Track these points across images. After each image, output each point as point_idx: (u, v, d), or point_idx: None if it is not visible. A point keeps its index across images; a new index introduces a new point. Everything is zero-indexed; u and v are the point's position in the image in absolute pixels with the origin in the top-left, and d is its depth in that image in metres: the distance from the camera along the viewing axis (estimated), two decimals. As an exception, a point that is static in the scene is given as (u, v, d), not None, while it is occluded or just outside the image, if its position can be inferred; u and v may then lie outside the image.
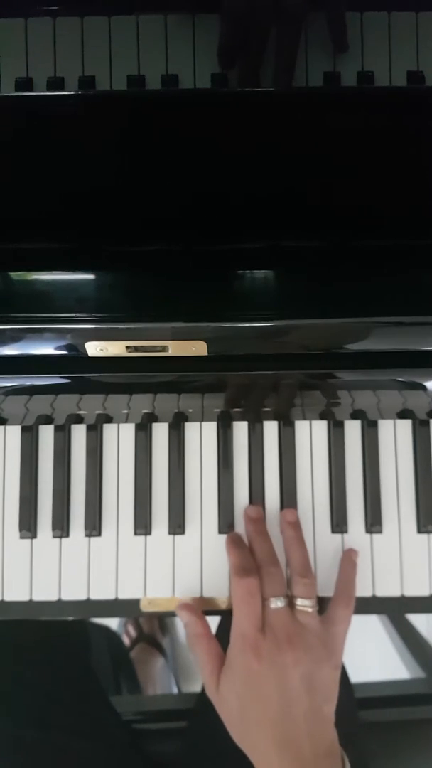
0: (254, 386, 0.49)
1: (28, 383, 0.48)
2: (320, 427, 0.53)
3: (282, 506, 0.52)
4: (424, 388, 0.49)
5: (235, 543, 0.50)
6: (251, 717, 0.43)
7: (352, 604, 0.48)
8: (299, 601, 0.45)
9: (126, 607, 0.52)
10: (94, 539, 0.52)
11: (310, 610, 0.45)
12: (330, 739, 0.42)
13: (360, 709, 0.66)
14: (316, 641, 0.44)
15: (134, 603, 0.52)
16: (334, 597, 0.48)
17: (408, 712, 0.63)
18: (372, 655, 1.02)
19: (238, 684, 0.44)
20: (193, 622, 0.48)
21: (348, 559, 0.50)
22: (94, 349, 0.43)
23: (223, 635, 0.70)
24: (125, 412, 0.52)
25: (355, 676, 0.68)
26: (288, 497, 0.52)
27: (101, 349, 0.43)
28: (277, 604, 0.45)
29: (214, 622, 0.72)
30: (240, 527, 0.52)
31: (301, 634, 0.44)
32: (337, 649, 0.45)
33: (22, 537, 0.52)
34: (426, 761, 0.50)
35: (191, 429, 0.53)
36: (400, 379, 0.48)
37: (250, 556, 0.48)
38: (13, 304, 0.41)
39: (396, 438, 0.53)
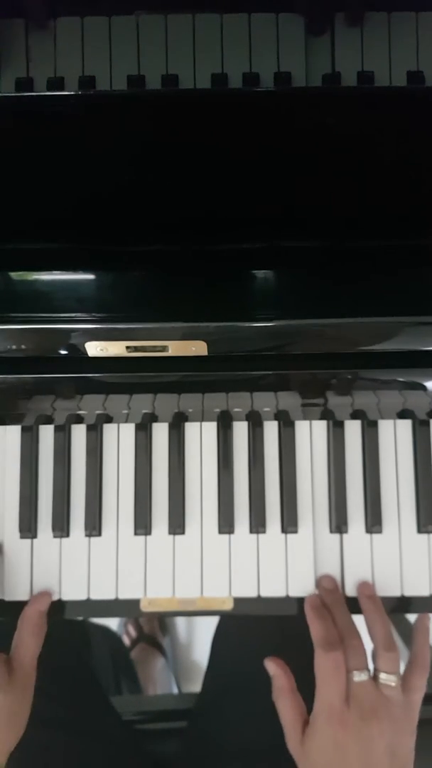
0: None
1: (28, 383, 0.48)
2: (320, 427, 0.53)
3: (282, 506, 0.52)
4: (424, 388, 0.49)
5: (319, 613, 0.49)
6: None
7: (428, 672, 0.48)
8: (383, 676, 0.46)
9: (126, 607, 0.52)
10: (94, 539, 0.52)
11: (393, 684, 0.45)
12: None
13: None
14: (398, 712, 0.45)
15: (134, 603, 0.52)
16: (410, 665, 0.48)
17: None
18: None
19: (323, 749, 0.45)
20: (279, 675, 0.49)
21: (422, 627, 0.50)
22: (94, 349, 0.43)
23: (223, 635, 0.71)
24: (125, 412, 0.52)
25: (355, 676, 0.68)
26: (288, 497, 0.52)
27: (101, 349, 0.43)
28: (361, 677, 0.45)
29: (213, 622, 0.73)
30: (240, 527, 0.52)
31: (386, 706, 0.45)
32: (415, 717, 0.46)
33: (22, 537, 0.52)
34: (426, 761, 0.50)
35: (191, 429, 0.53)
36: (400, 379, 0.48)
37: (333, 628, 0.48)
38: (13, 304, 0.41)
39: (396, 438, 0.53)
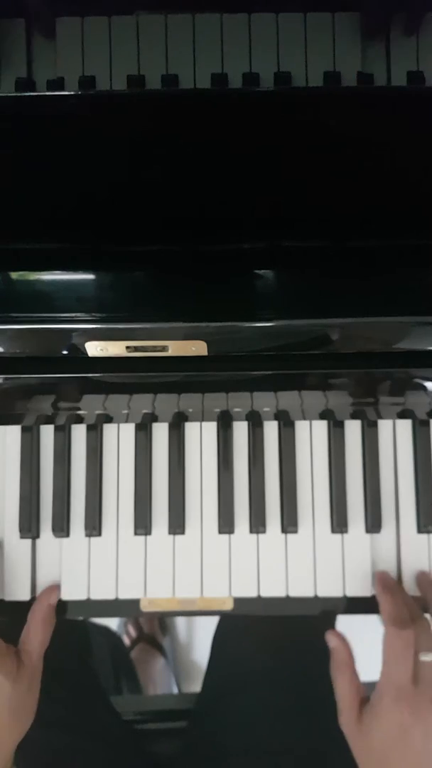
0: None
1: (28, 383, 0.48)
2: (320, 427, 0.53)
3: (282, 506, 0.52)
4: (424, 388, 0.49)
5: (390, 589, 0.49)
6: (393, 763, 0.44)
7: None
8: None
9: (126, 607, 0.52)
10: (94, 539, 0.52)
11: None
12: None
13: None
14: None
15: (134, 603, 0.52)
16: None
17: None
18: (372, 655, 1.02)
19: (384, 730, 0.44)
20: (341, 649, 0.49)
21: None
22: (94, 349, 0.43)
23: (223, 635, 0.71)
24: (125, 412, 0.52)
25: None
26: (288, 497, 0.52)
27: (101, 349, 0.43)
28: (430, 657, 0.45)
29: (213, 622, 0.73)
30: (240, 527, 0.52)
31: None
32: None
33: (22, 537, 0.52)
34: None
35: (191, 429, 0.53)
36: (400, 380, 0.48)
37: (404, 606, 0.47)
38: (13, 304, 0.41)
39: (396, 438, 0.53)
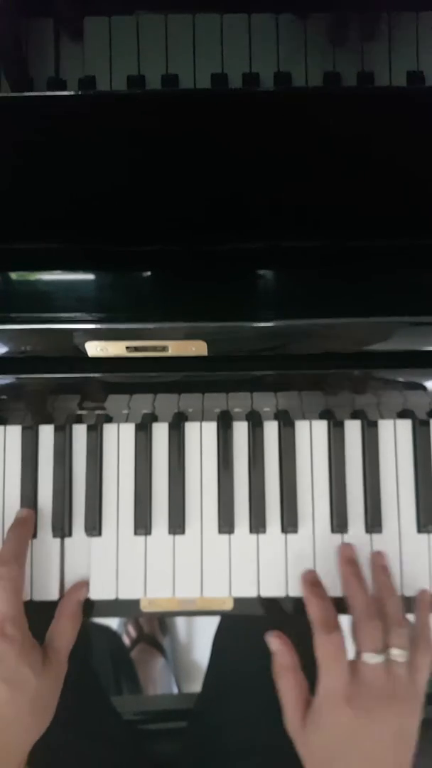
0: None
1: (29, 383, 0.48)
2: (320, 427, 0.53)
3: (282, 506, 0.52)
4: (424, 388, 0.49)
5: (316, 593, 0.48)
6: (338, 766, 0.43)
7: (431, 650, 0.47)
8: (395, 651, 0.44)
9: (126, 607, 0.52)
10: (94, 539, 0.52)
11: (402, 660, 0.44)
12: None
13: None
14: (407, 694, 0.44)
15: (134, 603, 0.52)
16: (414, 644, 0.46)
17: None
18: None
19: (327, 734, 0.44)
20: (282, 652, 0.48)
21: (423, 604, 0.49)
22: (94, 349, 0.43)
23: (223, 635, 0.71)
24: (125, 412, 0.52)
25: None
26: (288, 497, 0.52)
27: (101, 349, 0.43)
28: (376, 659, 0.44)
29: (213, 622, 0.73)
30: (240, 527, 0.52)
31: (396, 688, 0.43)
32: (421, 697, 0.45)
33: (22, 537, 0.52)
34: (426, 761, 0.50)
35: (191, 429, 0.53)
36: (400, 379, 0.48)
37: (332, 607, 0.47)
38: (13, 304, 0.41)
39: (396, 438, 0.53)
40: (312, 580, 0.49)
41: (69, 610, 0.49)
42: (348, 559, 0.50)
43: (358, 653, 0.45)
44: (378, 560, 0.50)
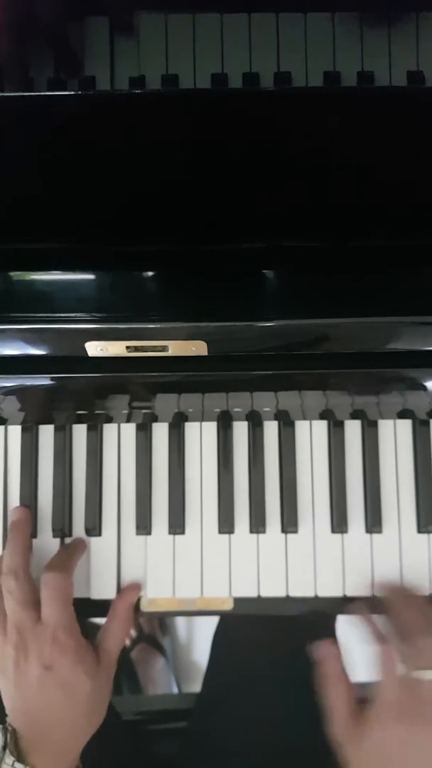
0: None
1: (29, 383, 0.48)
2: (320, 427, 0.53)
3: (282, 506, 0.52)
4: (424, 388, 0.49)
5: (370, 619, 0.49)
6: None
7: None
8: None
9: (126, 607, 0.52)
10: (94, 539, 0.52)
11: None
12: None
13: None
14: None
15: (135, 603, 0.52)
16: None
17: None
18: (372, 655, 1.01)
19: (380, 746, 0.44)
20: (329, 661, 0.48)
21: None
22: (94, 349, 0.43)
23: (222, 635, 0.71)
24: (125, 412, 0.52)
25: (356, 676, 0.68)
26: (288, 497, 0.52)
27: (101, 349, 0.43)
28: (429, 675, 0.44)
29: (213, 622, 0.73)
30: (240, 527, 0.52)
31: None
32: None
33: (22, 537, 0.52)
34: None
35: (191, 429, 0.53)
36: (400, 379, 0.48)
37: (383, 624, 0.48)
38: (13, 304, 0.41)
39: (396, 438, 0.53)
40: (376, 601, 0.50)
41: (122, 611, 0.50)
42: (395, 591, 0.50)
43: (412, 669, 0.45)
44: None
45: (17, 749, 0.42)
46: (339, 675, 0.47)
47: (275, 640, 0.65)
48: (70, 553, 0.50)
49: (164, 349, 0.43)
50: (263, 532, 0.52)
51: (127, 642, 1.05)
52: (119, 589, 0.52)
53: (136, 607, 0.52)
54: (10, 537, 0.49)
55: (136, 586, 0.51)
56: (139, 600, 0.52)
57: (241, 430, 0.53)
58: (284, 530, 0.52)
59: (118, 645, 0.49)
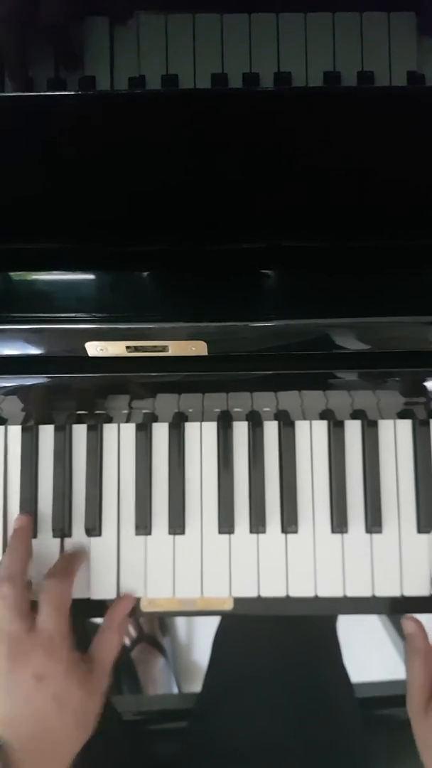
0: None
1: (29, 383, 0.48)
2: (320, 427, 0.53)
3: (282, 506, 0.52)
4: (424, 388, 0.49)
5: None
6: None
7: None
8: None
9: (126, 607, 0.52)
10: (94, 539, 0.52)
11: None
12: None
13: (360, 709, 0.66)
14: None
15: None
16: None
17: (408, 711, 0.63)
18: (372, 655, 1.02)
19: None
20: (417, 635, 0.49)
21: None
22: (94, 349, 0.43)
23: (223, 635, 0.71)
24: (125, 412, 0.52)
25: (356, 676, 0.68)
26: (288, 497, 0.52)
27: (101, 349, 0.43)
28: None
29: (213, 621, 0.73)
30: (240, 527, 0.52)
31: None
32: None
33: (22, 537, 0.52)
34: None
35: (191, 429, 0.53)
36: (400, 379, 0.48)
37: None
38: (13, 304, 0.41)
39: (396, 438, 0.53)
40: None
41: (115, 622, 0.49)
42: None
43: None
44: None
45: (6, 760, 0.42)
46: (424, 650, 0.48)
47: (275, 640, 0.65)
48: (71, 562, 0.50)
49: (164, 349, 0.43)
50: (263, 532, 0.52)
51: (127, 642, 1.05)
52: (119, 590, 0.51)
53: (136, 608, 0.52)
54: (10, 544, 0.49)
55: (130, 597, 0.51)
56: (139, 600, 0.52)
57: (241, 430, 0.53)
58: (284, 530, 0.52)
59: (111, 656, 0.48)
